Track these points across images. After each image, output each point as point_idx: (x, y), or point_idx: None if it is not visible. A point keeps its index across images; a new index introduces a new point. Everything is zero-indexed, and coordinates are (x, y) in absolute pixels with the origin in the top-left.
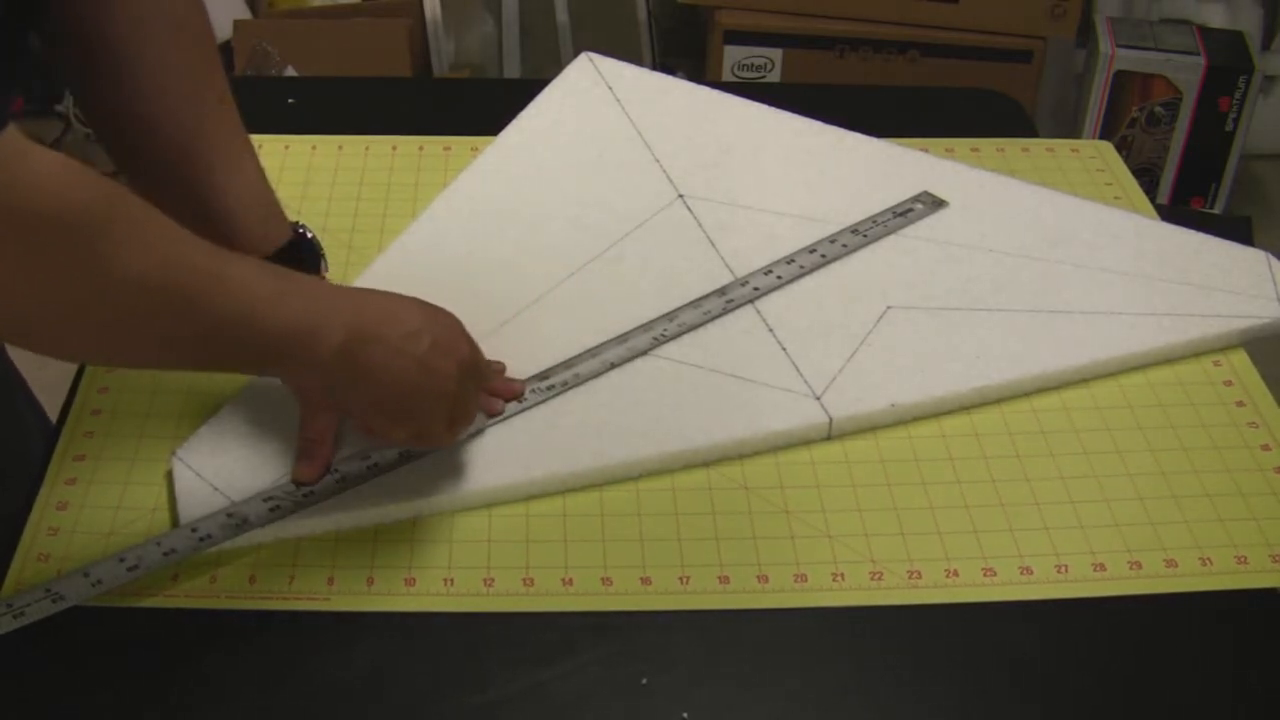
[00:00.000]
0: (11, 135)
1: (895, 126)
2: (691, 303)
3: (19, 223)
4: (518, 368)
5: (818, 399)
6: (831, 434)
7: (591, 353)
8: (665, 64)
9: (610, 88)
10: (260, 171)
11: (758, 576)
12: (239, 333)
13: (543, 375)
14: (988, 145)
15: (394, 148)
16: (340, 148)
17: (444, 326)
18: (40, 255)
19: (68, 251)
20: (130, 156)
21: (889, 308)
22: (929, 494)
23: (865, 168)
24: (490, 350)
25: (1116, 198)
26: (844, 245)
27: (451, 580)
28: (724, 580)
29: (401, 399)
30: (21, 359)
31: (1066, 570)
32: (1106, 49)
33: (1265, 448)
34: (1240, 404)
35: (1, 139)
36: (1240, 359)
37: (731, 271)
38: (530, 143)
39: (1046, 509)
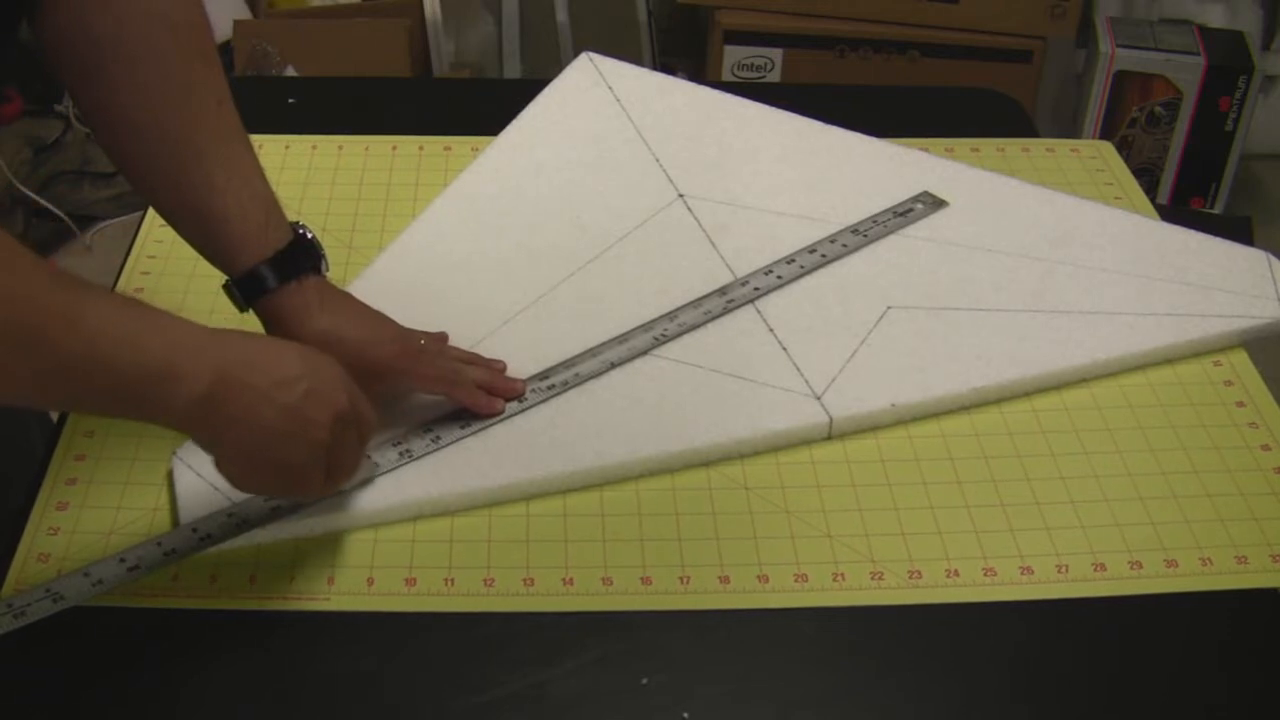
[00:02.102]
0: None
1: (895, 126)
2: (691, 303)
3: None
4: (518, 367)
5: (818, 399)
6: (832, 434)
7: (591, 353)
8: (665, 64)
9: (610, 88)
10: (260, 172)
11: (758, 576)
12: (89, 374)
13: (543, 375)
14: (988, 145)
15: (394, 148)
16: (340, 148)
17: (322, 376)
18: None
19: None
20: (129, 159)
21: (889, 308)
22: (929, 494)
23: (865, 168)
24: (491, 350)
25: (1116, 198)
26: (844, 245)
27: (452, 580)
28: (724, 580)
29: (269, 449)
30: None
31: (1066, 570)
32: (1106, 49)
33: (1265, 448)
34: (1240, 404)
35: None
36: (1240, 359)
37: (731, 271)
38: (530, 143)
39: (1047, 509)
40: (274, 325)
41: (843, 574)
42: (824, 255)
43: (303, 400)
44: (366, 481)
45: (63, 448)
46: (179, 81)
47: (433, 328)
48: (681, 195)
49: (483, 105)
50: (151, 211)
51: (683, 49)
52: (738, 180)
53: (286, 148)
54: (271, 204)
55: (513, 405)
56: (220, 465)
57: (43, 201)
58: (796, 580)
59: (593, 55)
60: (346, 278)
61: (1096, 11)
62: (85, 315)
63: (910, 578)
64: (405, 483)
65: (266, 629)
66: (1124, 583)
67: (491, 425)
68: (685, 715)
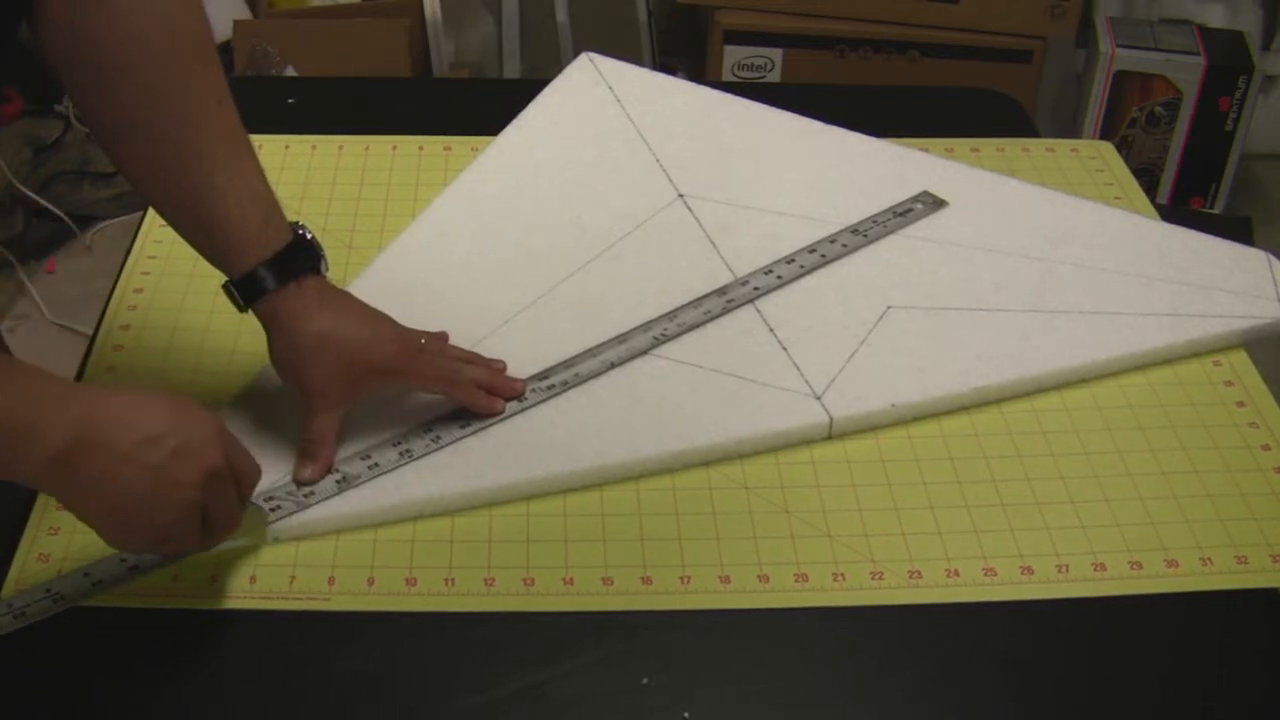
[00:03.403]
0: None
1: (895, 126)
2: (691, 302)
3: None
4: (518, 367)
5: (818, 399)
6: (832, 434)
7: (591, 352)
8: (665, 64)
9: (610, 88)
10: (260, 173)
11: (758, 576)
12: None
13: (543, 375)
14: (988, 145)
15: (394, 148)
16: (340, 148)
17: (191, 431)
18: None
19: None
20: (129, 159)
21: (889, 308)
22: (929, 494)
23: (865, 168)
24: (491, 349)
25: (1116, 198)
26: (844, 245)
27: (452, 580)
28: (724, 580)
29: (132, 509)
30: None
31: (1066, 570)
32: (1106, 49)
33: (1265, 448)
34: (1240, 404)
35: None
36: (1240, 359)
37: (731, 271)
38: (530, 143)
39: (1047, 509)
40: (273, 325)
41: (843, 574)
42: (824, 255)
43: (169, 460)
44: (260, 533)
45: None
46: (178, 82)
47: (433, 327)
48: (681, 195)
49: (483, 105)
50: (151, 211)
51: (683, 49)
52: (738, 180)
53: (286, 148)
54: (271, 204)
55: (512, 405)
56: (85, 522)
57: (43, 201)
58: (796, 580)
59: (593, 55)
60: (346, 278)
61: (1096, 11)
62: None
63: (910, 578)
64: (405, 483)
65: (266, 629)
66: (1124, 583)
67: (491, 425)
68: (685, 715)
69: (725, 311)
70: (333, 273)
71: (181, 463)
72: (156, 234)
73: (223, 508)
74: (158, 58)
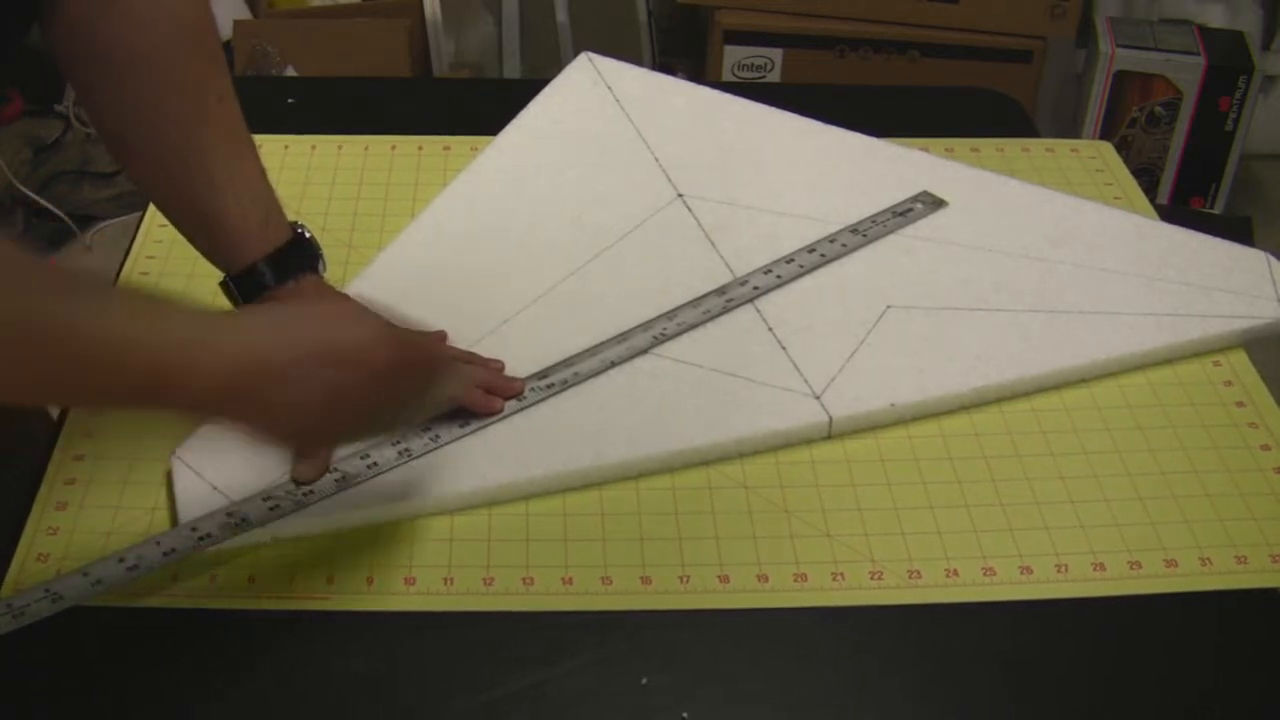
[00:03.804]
0: None
1: (895, 126)
2: (691, 302)
3: None
4: (518, 366)
5: (818, 398)
6: (831, 433)
7: (591, 352)
8: (665, 64)
9: (610, 88)
10: (261, 171)
11: (758, 576)
12: (109, 377)
13: (542, 374)
14: (988, 145)
15: (394, 148)
16: (340, 148)
17: (351, 338)
18: None
19: None
20: (131, 157)
21: (889, 308)
22: (929, 493)
23: (865, 168)
24: (490, 349)
25: (1116, 198)
26: (844, 245)
27: (451, 580)
28: (724, 580)
29: (310, 424)
30: None
31: (1066, 570)
32: (1106, 49)
33: (1265, 448)
34: (1240, 404)
35: None
36: (1240, 359)
37: (731, 271)
38: (530, 143)
39: (1046, 509)
40: None
41: (842, 573)
42: (824, 255)
43: (336, 374)
44: (459, 384)
45: (62, 448)
46: (185, 80)
47: (431, 327)
48: (681, 195)
49: (483, 105)
50: (151, 211)
51: (683, 49)
52: (737, 180)
53: (286, 148)
54: (272, 203)
55: (511, 404)
56: (269, 441)
57: (43, 201)
58: (796, 580)
59: (592, 55)
60: (345, 277)
61: (1096, 11)
62: (97, 320)
63: (910, 577)
64: (404, 482)
65: (266, 629)
66: (1123, 582)
67: (491, 425)
68: (685, 715)
69: (725, 311)
70: (332, 272)
71: (349, 373)
72: (156, 234)
73: (408, 393)
74: (167, 55)
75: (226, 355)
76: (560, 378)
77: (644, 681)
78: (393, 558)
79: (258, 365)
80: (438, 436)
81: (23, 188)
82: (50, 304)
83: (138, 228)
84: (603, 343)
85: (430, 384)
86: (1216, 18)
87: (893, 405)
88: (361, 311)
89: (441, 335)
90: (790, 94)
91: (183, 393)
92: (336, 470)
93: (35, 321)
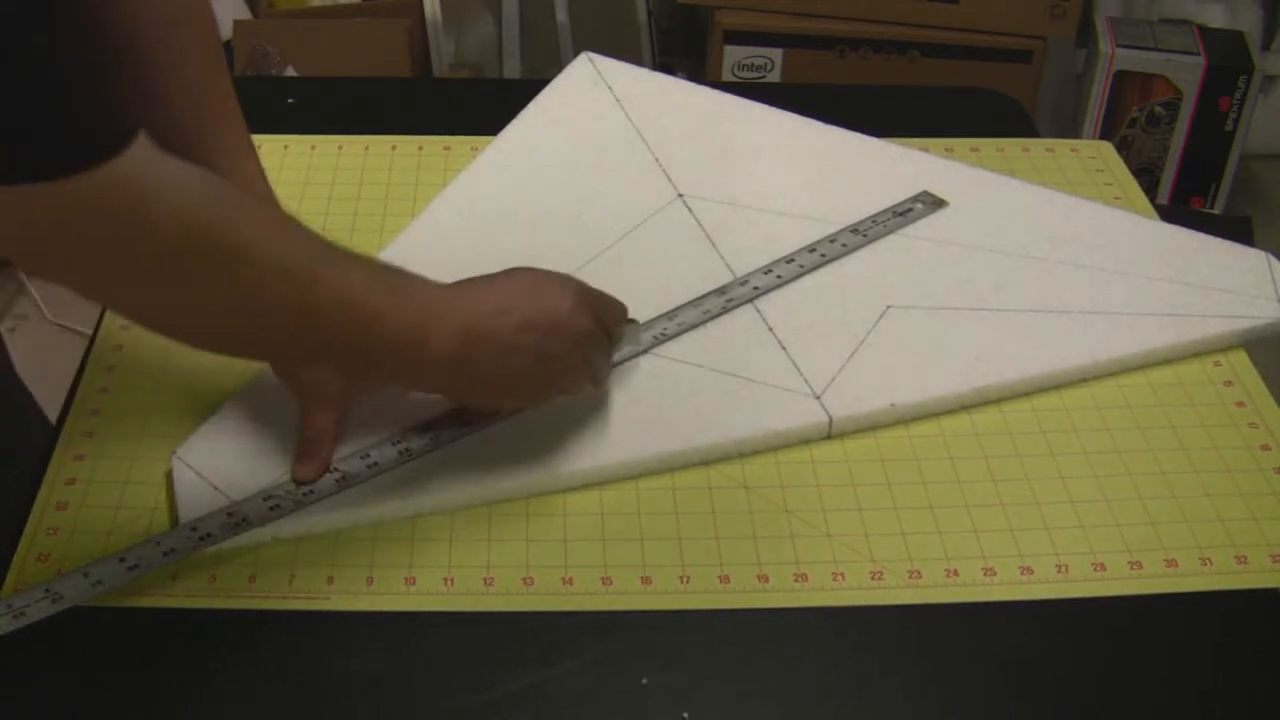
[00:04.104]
0: (140, 157)
1: (895, 126)
2: (691, 302)
3: (134, 244)
4: None
5: (818, 398)
6: (831, 433)
7: None
8: (665, 64)
9: (610, 88)
10: (261, 173)
11: (758, 576)
12: (356, 338)
13: None
14: (988, 145)
15: (394, 148)
16: (340, 148)
17: (556, 306)
18: (155, 273)
19: (184, 271)
20: None
21: (889, 307)
22: (929, 493)
23: (865, 168)
24: None
25: (1116, 198)
26: (844, 245)
27: (451, 580)
28: (724, 580)
29: (521, 387)
30: (22, 359)
31: (1066, 570)
32: (1106, 49)
33: (1265, 448)
34: (1240, 404)
35: (129, 160)
36: (1240, 359)
37: (731, 271)
38: (530, 143)
39: (1046, 509)
40: None
41: (842, 573)
42: (824, 255)
43: (544, 339)
44: (635, 354)
45: (62, 448)
46: (183, 80)
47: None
48: (681, 195)
49: (483, 105)
50: None
51: (683, 49)
52: (738, 180)
53: (286, 148)
54: (270, 204)
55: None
56: (486, 403)
57: None
58: (796, 580)
59: (592, 55)
60: None
61: (1096, 11)
62: (354, 285)
63: (910, 577)
64: (404, 482)
65: (266, 629)
66: (1124, 583)
67: (491, 425)
68: (685, 715)
69: (725, 311)
70: None
71: (554, 338)
72: None
73: (599, 355)
74: (167, 55)
75: (450, 326)
76: None
77: (644, 681)
78: (393, 558)
79: (476, 335)
80: (438, 436)
81: None
82: (316, 272)
83: None
84: None
85: (613, 348)
86: (1216, 18)
87: (893, 405)
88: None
89: None
90: (790, 94)
91: (414, 361)
92: (336, 470)
93: (299, 291)
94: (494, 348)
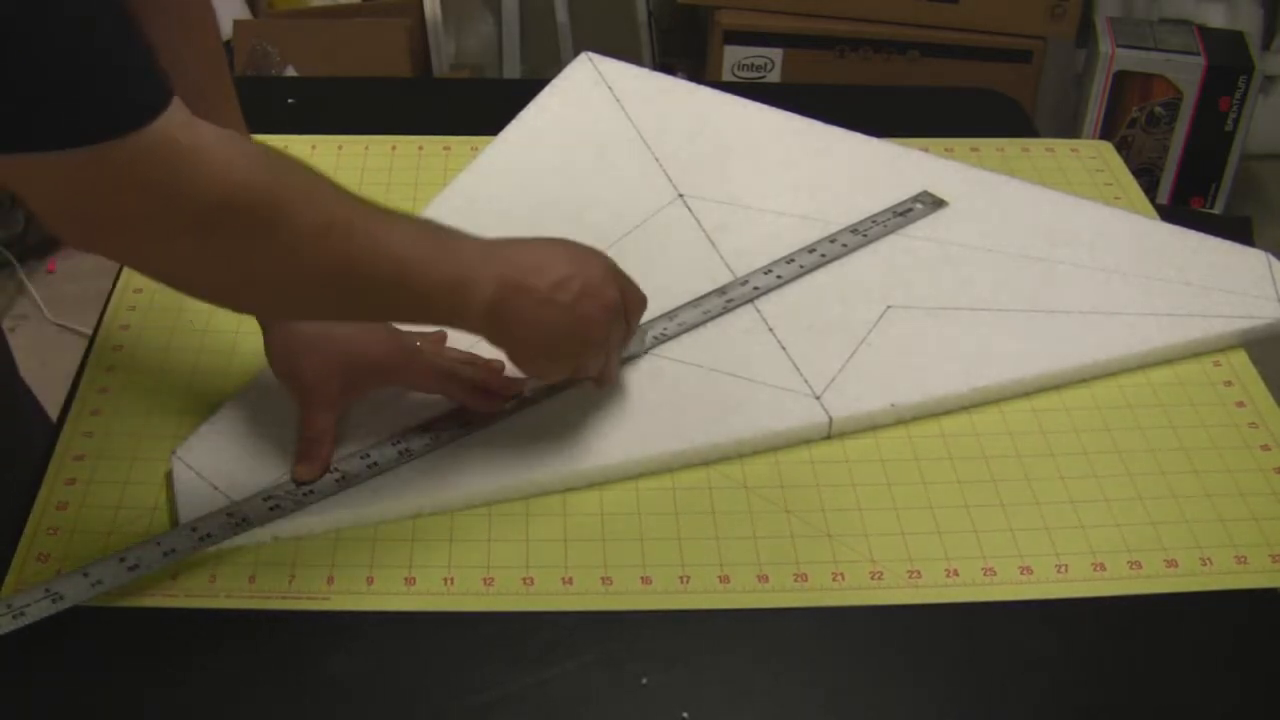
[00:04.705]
0: (176, 119)
1: (895, 126)
2: (691, 302)
3: (179, 204)
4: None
5: (817, 399)
6: (831, 433)
7: None
8: (665, 64)
9: (610, 88)
10: None
11: (758, 576)
12: (395, 292)
13: None
14: (988, 145)
15: (394, 148)
16: (340, 148)
17: (591, 272)
18: (200, 232)
19: (228, 230)
20: None
21: (889, 308)
22: (929, 493)
23: (865, 168)
24: (490, 349)
25: (1116, 198)
26: (844, 245)
27: (451, 580)
28: (724, 580)
29: (553, 345)
30: (22, 359)
31: (1066, 570)
32: (1106, 49)
33: (1265, 448)
34: (1240, 404)
35: (167, 122)
36: (1240, 359)
37: (731, 271)
38: (530, 143)
39: (1046, 509)
40: (271, 322)
41: (842, 573)
42: (824, 255)
43: (577, 299)
44: (636, 356)
45: (62, 448)
46: (185, 79)
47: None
48: (681, 195)
49: (483, 105)
50: None
51: (683, 49)
52: (738, 180)
53: (285, 148)
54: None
55: (511, 405)
56: (514, 359)
57: None
58: (796, 580)
59: (592, 55)
60: None
61: (1096, 11)
62: (392, 241)
63: (910, 577)
64: (404, 482)
65: (266, 629)
66: (1123, 583)
67: (491, 425)
68: (685, 715)
69: (725, 311)
70: None
71: (588, 300)
72: None
73: (619, 335)
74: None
75: (489, 275)
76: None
77: (644, 681)
78: (393, 558)
79: (515, 286)
80: (437, 436)
81: None
82: (357, 227)
83: None
84: None
85: (628, 337)
86: (1216, 18)
87: (893, 405)
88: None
89: (440, 337)
90: (790, 94)
91: (465, 307)
92: (336, 470)
93: (343, 245)
94: (530, 301)
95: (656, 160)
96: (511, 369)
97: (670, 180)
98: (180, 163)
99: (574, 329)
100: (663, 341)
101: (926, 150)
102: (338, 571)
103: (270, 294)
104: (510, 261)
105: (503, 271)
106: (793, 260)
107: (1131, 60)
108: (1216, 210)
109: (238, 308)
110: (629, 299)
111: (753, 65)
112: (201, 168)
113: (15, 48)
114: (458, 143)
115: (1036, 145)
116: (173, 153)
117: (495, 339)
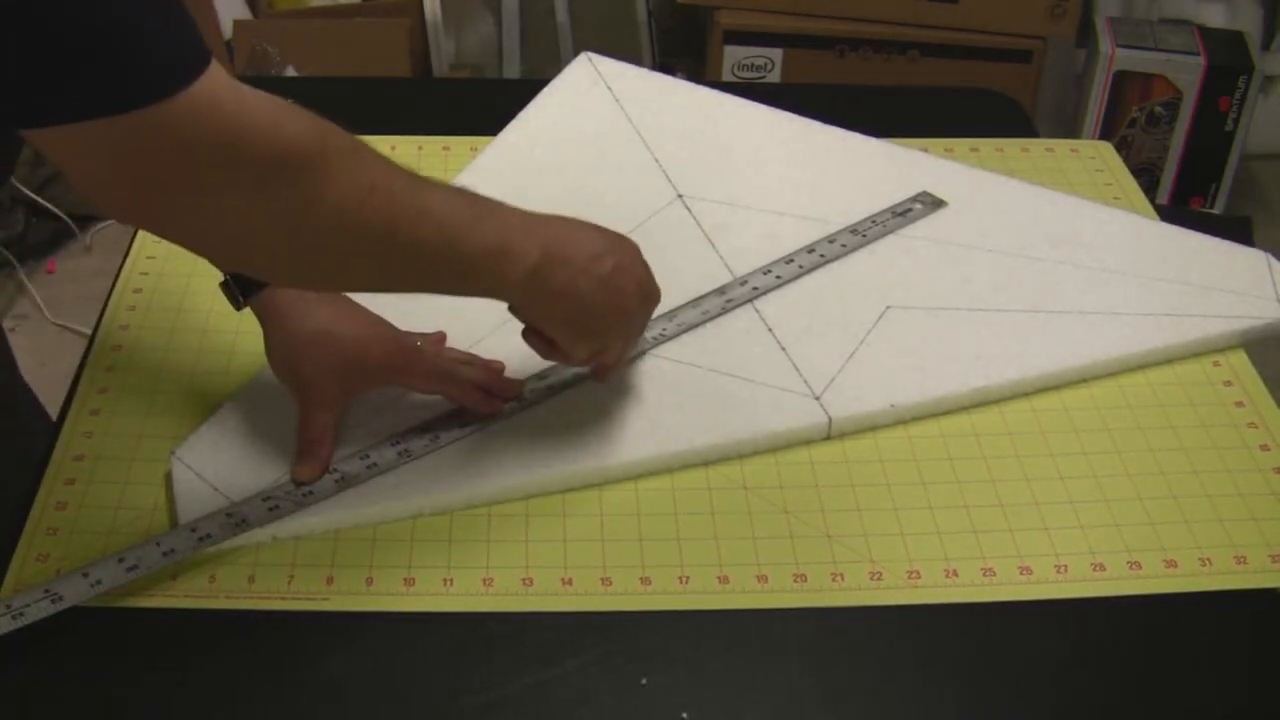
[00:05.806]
0: (220, 79)
1: (895, 126)
2: (690, 302)
3: (232, 163)
4: (517, 367)
5: (817, 399)
6: (831, 434)
7: None
8: (665, 64)
9: (610, 88)
10: None
11: (757, 576)
12: (437, 258)
13: (542, 375)
14: (988, 145)
15: (393, 148)
16: None
17: (623, 251)
18: (253, 191)
19: (280, 188)
20: None
21: (888, 308)
22: (928, 494)
23: (865, 168)
24: (489, 351)
25: (1116, 198)
26: (843, 245)
27: (451, 580)
28: (724, 580)
29: (587, 317)
30: (23, 359)
31: (1066, 570)
32: (1106, 49)
33: (1265, 448)
34: (1240, 404)
35: (212, 82)
36: (1240, 359)
37: (731, 271)
38: (530, 143)
39: (1046, 509)
40: (270, 320)
41: (841, 574)
42: (823, 255)
43: (611, 273)
44: (642, 354)
45: (62, 448)
46: None
47: (431, 328)
48: (681, 195)
49: (483, 105)
50: None
51: (683, 49)
52: (737, 180)
53: None
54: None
55: (511, 405)
56: (550, 330)
57: (43, 201)
58: (795, 580)
59: (592, 55)
60: None
61: (1096, 11)
62: (433, 207)
63: (909, 578)
64: (404, 482)
65: (265, 629)
66: (1123, 583)
67: (491, 425)
68: (685, 715)
69: (724, 311)
70: None
71: (621, 276)
72: None
73: (642, 318)
74: None
75: (531, 242)
76: (560, 378)
77: (644, 681)
78: (392, 558)
79: (554, 255)
80: (437, 437)
81: (23, 188)
82: (399, 191)
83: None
84: None
85: (644, 328)
86: (1216, 18)
87: (893, 405)
88: (365, 313)
89: (440, 337)
90: (790, 94)
91: (508, 274)
92: (336, 470)
93: (386, 208)
94: (569, 270)
95: (656, 160)
96: (511, 370)
97: (669, 180)
98: (230, 121)
99: (608, 302)
100: (662, 342)
101: (926, 150)
102: (337, 572)
103: (316, 257)
104: (549, 231)
105: (544, 239)
106: (792, 260)
107: (1131, 60)
108: (1216, 210)
109: (280, 276)
110: (653, 287)
111: (753, 65)
112: (252, 126)
113: (56, 17)
114: (457, 143)
115: (1036, 145)
116: (220, 113)
117: (529, 307)
